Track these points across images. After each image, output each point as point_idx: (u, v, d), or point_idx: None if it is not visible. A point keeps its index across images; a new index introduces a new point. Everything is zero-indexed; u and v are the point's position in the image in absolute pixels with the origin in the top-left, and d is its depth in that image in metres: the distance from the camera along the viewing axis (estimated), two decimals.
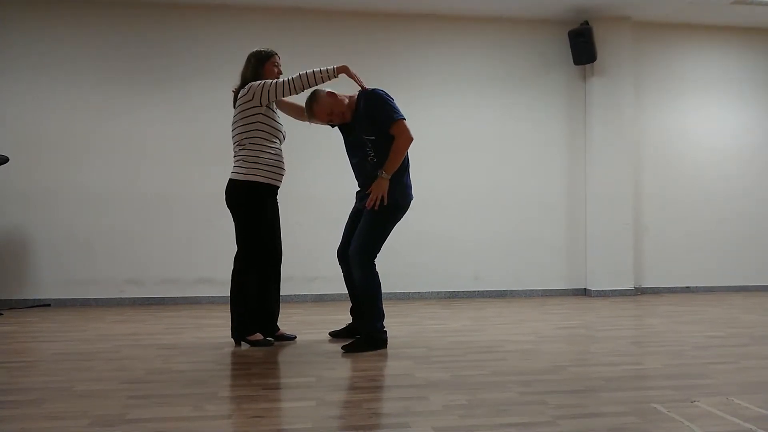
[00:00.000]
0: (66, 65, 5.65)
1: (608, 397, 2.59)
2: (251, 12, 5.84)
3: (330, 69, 3.53)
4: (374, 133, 3.48)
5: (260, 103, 3.55)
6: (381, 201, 3.47)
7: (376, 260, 3.60)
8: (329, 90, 3.60)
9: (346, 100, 3.58)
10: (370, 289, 3.55)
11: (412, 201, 3.65)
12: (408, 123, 3.49)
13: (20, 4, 5.57)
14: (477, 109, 6.20)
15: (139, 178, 5.70)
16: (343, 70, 3.55)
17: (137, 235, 5.67)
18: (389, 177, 3.46)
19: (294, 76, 3.53)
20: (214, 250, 5.59)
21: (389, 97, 3.52)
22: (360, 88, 3.58)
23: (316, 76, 3.52)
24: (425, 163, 5.91)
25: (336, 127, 3.77)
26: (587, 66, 6.26)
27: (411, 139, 3.47)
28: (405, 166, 3.59)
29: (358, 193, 3.75)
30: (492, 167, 6.20)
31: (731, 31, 6.60)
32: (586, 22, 6.07)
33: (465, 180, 6.14)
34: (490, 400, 2.54)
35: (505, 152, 6.23)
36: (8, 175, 5.41)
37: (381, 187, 3.46)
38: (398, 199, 3.53)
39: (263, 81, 3.57)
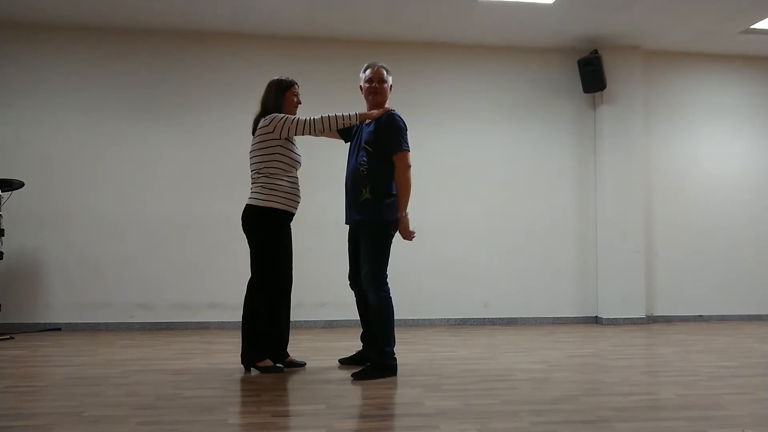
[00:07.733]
0: (81, 91, 5.75)
1: (621, 428, 2.55)
2: (265, 40, 5.94)
3: (352, 115, 3.63)
4: (374, 146, 3.64)
5: (280, 136, 3.61)
6: (377, 227, 3.62)
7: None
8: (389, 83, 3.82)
9: (386, 102, 3.78)
10: (383, 313, 3.60)
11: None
12: (410, 154, 3.67)
13: (37, 30, 5.68)
14: (487, 137, 6.23)
15: (150, 203, 5.74)
16: (364, 118, 3.68)
17: (148, 260, 5.70)
18: (406, 212, 3.62)
19: (317, 118, 3.62)
20: (224, 275, 5.61)
21: (404, 125, 3.69)
22: (390, 109, 3.73)
23: (338, 120, 3.63)
24: (435, 190, 5.94)
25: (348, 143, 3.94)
26: (597, 94, 6.30)
27: (408, 168, 3.66)
28: (392, 188, 3.68)
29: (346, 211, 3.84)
30: (502, 194, 6.21)
31: (740, 59, 6.62)
32: (596, 51, 6.12)
33: (475, 207, 6.15)
34: (502, 430, 2.51)
35: (515, 180, 6.25)
36: (22, 198, 5.47)
37: (404, 226, 3.62)
38: (387, 217, 3.64)
39: (285, 116, 3.63)
